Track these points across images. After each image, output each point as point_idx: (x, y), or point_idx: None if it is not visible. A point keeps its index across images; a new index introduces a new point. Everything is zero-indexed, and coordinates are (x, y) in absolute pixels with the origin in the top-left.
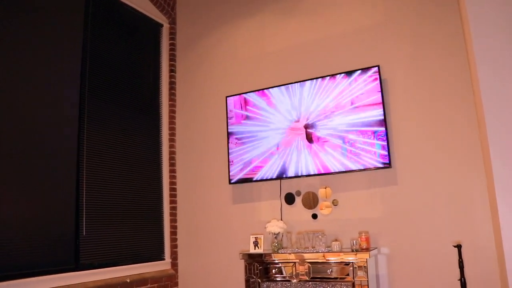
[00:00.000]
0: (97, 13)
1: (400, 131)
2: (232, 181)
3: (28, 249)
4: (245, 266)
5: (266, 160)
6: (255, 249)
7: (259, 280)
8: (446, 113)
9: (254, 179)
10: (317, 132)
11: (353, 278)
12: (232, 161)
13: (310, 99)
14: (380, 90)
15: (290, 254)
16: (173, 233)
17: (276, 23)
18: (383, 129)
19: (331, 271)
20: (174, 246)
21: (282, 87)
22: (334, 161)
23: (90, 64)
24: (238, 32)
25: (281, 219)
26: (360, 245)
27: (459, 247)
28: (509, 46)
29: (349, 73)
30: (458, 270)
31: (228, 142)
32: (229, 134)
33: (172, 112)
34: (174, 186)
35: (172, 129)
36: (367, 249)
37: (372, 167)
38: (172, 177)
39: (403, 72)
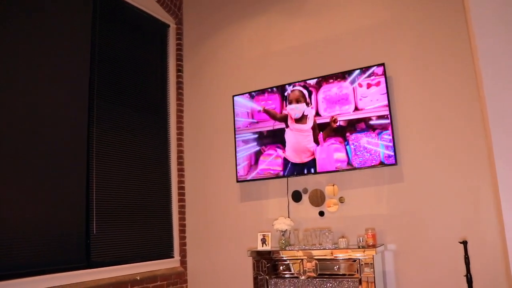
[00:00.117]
0: (105, 14)
1: (406, 128)
2: (239, 179)
3: (41, 247)
4: (253, 263)
5: (274, 155)
6: (262, 246)
7: (267, 277)
8: (451, 110)
9: (262, 177)
10: (323, 132)
11: (360, 274)
12: (240, 159)
13: (314, 99)
14: (385, 87)
15: (298, 251)
16: (182, 231)
17: (281, 23)
18: (388, 123)
19: (338, 267)
20: (183, 244)
21: (290, 86)
22: (341, 159)
23: (98, 65)
24: (244, 32)
25: (288, 217)
26: (366, 242)
27: (465, 243)
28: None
29: (354, 71)
30: (464, 266)
31: (235, 141)
32: (236, 133)
33: (179, 111)
34: (183, 185)
35: (180, 128)
36: (374, 246)
37: (378, 164)
38: (181, 175)
39: (408, 69)
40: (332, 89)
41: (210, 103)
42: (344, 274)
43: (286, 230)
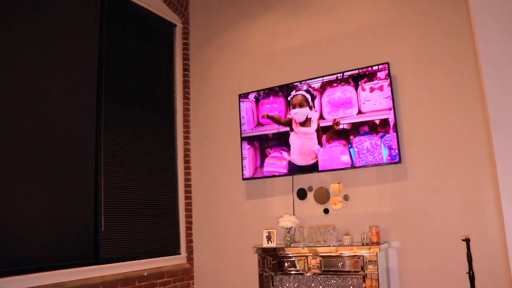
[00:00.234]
0: (112, 14)
1: (410, 126)
2: (245, 177)
3: (50, 244)
4: (259, 260)
5: (279, 158)
6: (268, 243)
7: (272, 274)
8: (455, 109)
9: (267, 175)
10: (326, 134)
11: (364, 271)
12: (245, 161)
13: (319, 102)
14: (390, 90)
15: (303, 248)
16: (189, 228)
17: (288, 22)
18: (391, 127)
19: (342, 264)
20: (189, 241)
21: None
22: (345, 161)
23: (105, 64)
24: (250, 32)
25: (294, 214)
26: (370, 239)
27: (467, 241)
28: None
29: (359, 70)
30: (466, 264)
31: (241, 139)
32: (242, 132)
33: (186, 110)
34: (189, 183)
35: (186, 126)
36: (378, 243)
37: (383, 162)
38: (187, 173)
39: (412, 68)
40: (336, 92)
41: (216, 102)
42: (348, 271)
43: (291, 227)
